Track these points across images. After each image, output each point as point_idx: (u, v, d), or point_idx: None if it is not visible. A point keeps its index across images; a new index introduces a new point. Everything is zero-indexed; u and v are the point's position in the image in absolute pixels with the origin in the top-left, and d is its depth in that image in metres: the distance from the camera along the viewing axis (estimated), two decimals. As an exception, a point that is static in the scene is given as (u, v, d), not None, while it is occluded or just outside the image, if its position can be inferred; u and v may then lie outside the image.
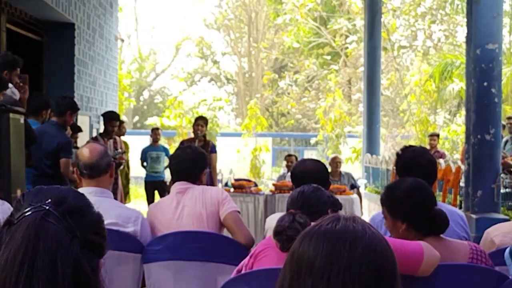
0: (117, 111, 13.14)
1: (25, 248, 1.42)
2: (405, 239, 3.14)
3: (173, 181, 4.43)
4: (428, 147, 13.06)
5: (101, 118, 10.48)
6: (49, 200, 1.50)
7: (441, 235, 3.25)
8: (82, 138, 10.37)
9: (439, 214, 3.20)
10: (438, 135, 14.86)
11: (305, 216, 3.01)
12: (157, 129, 13.52)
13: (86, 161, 3.96)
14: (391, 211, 3.26)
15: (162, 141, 14.54)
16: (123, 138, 11.43)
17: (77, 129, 9.66)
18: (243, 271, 3.25)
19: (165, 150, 13.25)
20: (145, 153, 12.91)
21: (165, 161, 12.88)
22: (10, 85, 6.14)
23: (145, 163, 12.89)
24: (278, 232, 2.98)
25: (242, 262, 3.32)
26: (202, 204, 4.18)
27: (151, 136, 13.27)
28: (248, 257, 3.28)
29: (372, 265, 1.45)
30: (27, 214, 1.47)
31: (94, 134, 11.90)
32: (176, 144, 13.51)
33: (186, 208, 4.19)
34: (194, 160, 4.39)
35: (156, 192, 12.60)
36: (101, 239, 1.60)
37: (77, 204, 1.55)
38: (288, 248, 2.90)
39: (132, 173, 13.20)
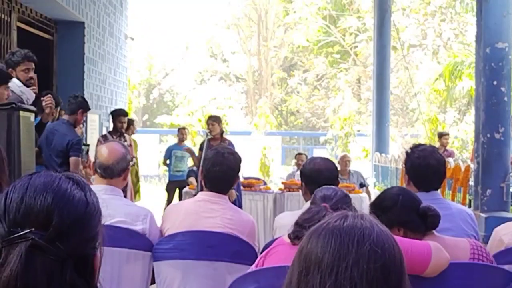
0: (126, 109, 13.16)
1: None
2: None
3: (206, 187, 4.17)
4: (438, 145, 13.02)
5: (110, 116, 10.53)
6: (33, 228, 1.41)
7: (438, 234, 3.27)
8: (92, 136, 10.40)
9: (428, 209, 3.25)
10: (448, 134, 14.77)
11: None
12: (184, 128, 13.52)
13: (102, 162, 3.95)
14: (384, 223, 3.27)
15: (171, 139, 14.53)
16: (132, 136, 11.47)
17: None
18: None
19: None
20: (170, 151, 12.91)
21: (189, 161, 12.86)
22: (19, 83, 6.08)
23: (168, 161, 12.88)
24: (302, 224, 2.96)
25: (256, 262, 3.32)
26: (230, 228, 4.03)
27: (177, 135, 13.28)
28: (258, 258, 3.29)
29: (379, 262, 1.45)
30: (13, 242, 1.40)
31: (104, 132, 11.94)
32: (186, 143, 13.48)
33: (209, 224, 4.04)
34: (234, 171, 4.21)
35: (177, 190, 12.57)
36: (95, 241, 1.54)
37: (65, 222, 1.45)
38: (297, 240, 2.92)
39: (141, 171, 13.18)
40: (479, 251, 3.22)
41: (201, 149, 9.92)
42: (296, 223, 3.01)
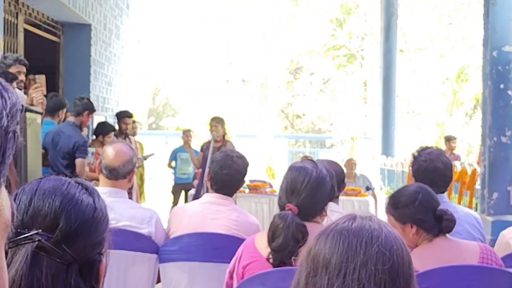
0: (132, 111, 13.17)
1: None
2: (415, 242, 3.22)
3: (212, 189, 4.16)
4: (445, 148, 12.96)
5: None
6: (40, 230, 1.43)
7: (450, 236, 3.26)
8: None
9: (445, 212, 3.23)
10: (456, 138, 14.61)
11: (303, 230, 2.96)
12: (189, 130, 13.43)
13: (108, 163, 3.95)
14: (399, 217, 3.29)
15: (177, 142, 14.49)
16: (138, 139, 11.47)
17: (111, 128, 9.37)
18: (234, 278, 3.26)
19: (195, 153, 13.12)
20: (175, 153, 12.86)
21: None
22: (18, 90, 6.08)
23: (173, 164, 12.83)
24: (280, 250, 2.97)
25: (232, 264, 3.32)
26: (235, 229, 4.03)
27: (182, 137, 13.22)
28: (236, 261, 3.28)
29: (387, 264, 1.45)
30: (19, 243, 1.41)
31: (110, 134, 11.93)
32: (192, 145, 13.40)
33: (214, 225, 4.05)
34: (242, 175, 4.20)
35: (182, 192, 12.53)
36: (101, 247, 1.55)
37: (72, 225, 1.46)
38: (279, 264, 2.94)
39: (146, 173, 13.13)
40: (489, 255, 3.20)
41: (202, 150, 9.92)
42: (272, 249, 3.00)
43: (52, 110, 7.39)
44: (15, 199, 1.49)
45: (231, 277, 3.31)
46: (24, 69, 6.44)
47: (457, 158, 12.66)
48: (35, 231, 1.43)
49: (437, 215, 3.22)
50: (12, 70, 6.19)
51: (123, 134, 9.86)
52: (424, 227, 3.23)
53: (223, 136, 9.67)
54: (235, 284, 3.25)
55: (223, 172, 4.10)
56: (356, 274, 1.43)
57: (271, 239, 3.01)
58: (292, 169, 3.21)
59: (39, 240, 1.42)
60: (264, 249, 3.08)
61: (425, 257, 3.18)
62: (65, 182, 1.55)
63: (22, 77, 6.41)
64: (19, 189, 1.53)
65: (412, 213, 3.25)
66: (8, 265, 1.39)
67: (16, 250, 1.41)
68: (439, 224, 3.21)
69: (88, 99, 7.54)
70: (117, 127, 10.37)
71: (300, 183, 3.09)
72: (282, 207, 3.11)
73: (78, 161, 7.04)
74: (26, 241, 1.42)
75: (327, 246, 1.49)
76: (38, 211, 1.46)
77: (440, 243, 3.19)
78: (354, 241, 1.48)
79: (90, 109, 7.47)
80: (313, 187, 3.07)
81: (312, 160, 3.24)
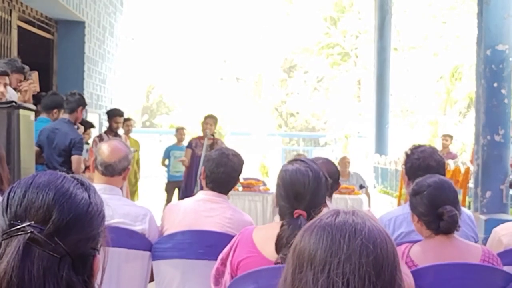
0: (126, 109, 13.15)
1: (9, 280, 1.38)
2: (421, 232, 3.27)
3: (208, 187, 4.14)
4: (440, 147, 12.95)
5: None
6: (33, 222, 1.43)
7: (456, 236, 3.26)
8: (92, 135, 10.41)
9: (447, 213, 3.18)
10: (451, 136, 14.55)
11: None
12: (182, 128, 13.41)
13: (104, 159, 3.95)
14: (409, 203, 3.32)
15: (171, 140, 14.48)
16: (134, 136, 11.46)
17: (89, 125, 9.52)
18: (228, 266, 3.25)
19: None
20: (169, 151, 12.85)
21: None
22: (10, 89, 6.11)
23: (166, 162, 12.82)
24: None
25: (225, 252, 3.31)
26: (229, 227, 4.01)
27: (175, 135, 13.21)
28: (230, 249, 3.27)
29: (371, 257, 1.47)
30: (12, 235, 1.42)
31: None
32: (185, 143, 13.38)
33: (208, 223, 4.03)
34: (238, 172, 4.19)
35: (176, 190, 12.52)
36: (95, 242, 1.55)
37: (64, 218, 1.46)
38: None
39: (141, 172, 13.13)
40: (490, 258, 3.20)
41: (190, 146, 9.96)
42: (282, 257, 2.96)
43: (48, 108, 7.40)
44: (10, 191, 1.50)
45: (222, 264, 3.30)
46: (22, 78, 6.56)
47: (453, 156, 12.64)
48: (28, 223, 1.43)
49: (438, 213, 3.19)
50: (13, 75, 6.30)
51: (113, 132, 9.84)
52: (424, 221, 3.23)
53: (213, 134, 9.75)
54: (227, 273, 3.24)
55: (219, 171, 4.09)
56: (341, 268, 1.45)
57: (281, 248, 2.98)
58: (287, 173, 3.16)
59: (31, 232, 1.42)
60: (263, 246, 3.09)
61: (427, 251, 3.21)
62: (60, 176, 1.56)
63: (16, 84, 6.51)
64: (15, 182, 1.54)
65: (416, 203, 3.27)
66: (1, 257, 1.40)
67: (9, 241, 1.42)
68: (439, 222, 3.20)
69: (80, 94, 7.53)
70: (108, 125, 10.36)
71: (301, 186, 3.06)
72: (288, 214, 3.06)
73: (74, 158, 7.03)
74: (18, 233, 1.42)
75: (311, 242, 1.51)
76: (32, 203, 1.47)
77: (443, 240, 3.19)
78: (338, 235, 1.49)
79: (83, 104, 7.49)
80: (314, 187, 3.05)
81: (301, 160, 3.21)
